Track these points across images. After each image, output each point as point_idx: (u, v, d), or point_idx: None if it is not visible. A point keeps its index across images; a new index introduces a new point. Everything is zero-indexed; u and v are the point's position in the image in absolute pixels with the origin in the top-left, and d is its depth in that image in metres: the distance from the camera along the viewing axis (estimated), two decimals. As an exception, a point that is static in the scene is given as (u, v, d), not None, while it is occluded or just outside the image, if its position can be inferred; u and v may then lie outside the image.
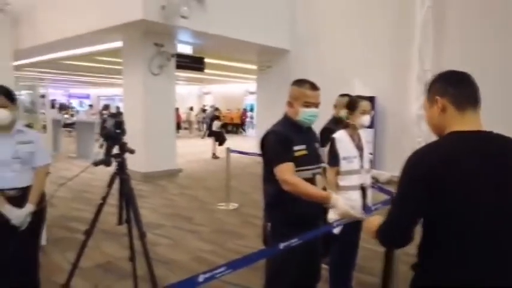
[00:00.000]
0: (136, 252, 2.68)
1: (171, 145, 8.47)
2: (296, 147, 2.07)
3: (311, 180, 2.09)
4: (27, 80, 19.41)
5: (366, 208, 2.77)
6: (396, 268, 2.40)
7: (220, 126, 12.22)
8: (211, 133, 12.26)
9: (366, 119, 2.82)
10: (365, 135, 3.01)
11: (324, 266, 2.62)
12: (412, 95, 7.63)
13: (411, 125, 7.60)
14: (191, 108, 22.74)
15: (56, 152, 10.78)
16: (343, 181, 2.75)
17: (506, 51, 6.47)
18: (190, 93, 25.38)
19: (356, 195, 2.77)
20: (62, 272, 3.36)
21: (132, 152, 2.41)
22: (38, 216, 2.42)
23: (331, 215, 2.38)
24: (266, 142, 2.15)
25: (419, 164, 1.28)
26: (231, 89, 23.27)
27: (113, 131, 2.34)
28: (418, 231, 1.34)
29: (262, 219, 2.22)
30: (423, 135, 7.51)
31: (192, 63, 9.45)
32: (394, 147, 7.90)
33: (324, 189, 2.19)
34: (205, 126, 20.39)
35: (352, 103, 2.85)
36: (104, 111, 22.08)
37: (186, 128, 21.92)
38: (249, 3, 8.54)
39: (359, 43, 8.32)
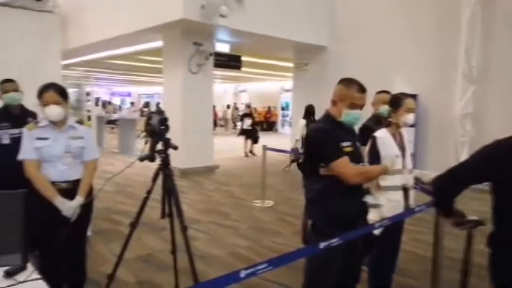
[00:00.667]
0: (176, 245, 2.76)
1: (209, 142, 8.63)
2: (344, 143, 2.04)
3: None
4: (73, 78, 20.39)
5: (408, 209, 2.70)
6: (440, 272, 2.33)
7: (252, 124, 11.86)
8: (242, 131, 12.06)
9: (410, 118, 2.73)
10: (406, 134, 2.92)
11: (363, 267, 2.57)
12: (456, 93, 7.32)
13: (455, 124, 7.29)
14: (228, 106, 22.99)
15: (100, 148, 11.28)
16: (384, 181, 2.68)
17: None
18: (227, 91, 25.67)
19: (398, 195, 2.70)
20: (105, 262, 3.53)
21: (175, 148, 2.48)
22: (86, 209, 2.54)
23: (372, 216, 2.34)
24: (312, 139, 2.13)
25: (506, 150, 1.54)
26: (266, 86, 23.28)
27: (157, 127, 2.42)
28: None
29: (302, 217, 2.21)
30: (468, 135, 7.18)
31: (229, 62, 9.54)
32: (436, 147, 7.63)
33: (367, 189, 2.14)
34: (239, 124, 20.62)
35: (396, 100, 2.76)
36: (145, 109, 22.84)
37: (222, 126, 22.21)
38: (286, 0, 8.52)
39: (400, 40, 8.08)
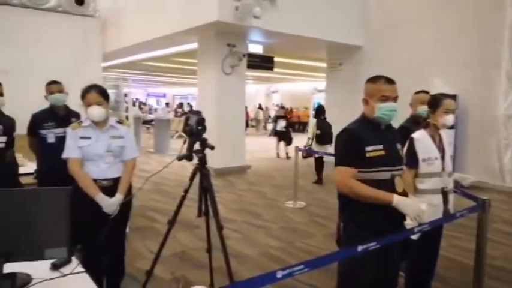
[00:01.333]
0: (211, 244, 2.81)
1: (241, 142, 8.70)
2: (370, 147, 1.98)
3: (389, 182, 2.01)
4: (111, 80, 21.16)
5: (448, 214, 2.60)
6: (483, 281, 2.23)
7: (286, 125, 11.54)
8: (275, 133, 11.89)
9: (449, 119, 2.62)
10: (446, 135, 2.81)
11: (400, 273, 2.50)
12: (499, 94, 6.99)
13: (497, 126, 6.96)
14: (260, 107, 23.06)
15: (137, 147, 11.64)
16: (422, 184, 2.60)
17: None
18: (258, 92, 25.77)
19: (437, 199, 2.60)
20: (142, 258, 3.65)
21: (212, 148, 2.52)
22: (126, 206, 2.63)
23: (409, 220, 2.27)
24: (337, 140, 2.11)
25: None
26: (298, 87, 23.15)
27: (195, 127, 2.47)
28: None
29: (337, 219, 2.19)
30: (511, 137, 6.83)
31: (262, 63, 9.59)
32: (477, 150, 7.31)
33: (404, 191, 2.08)
34: (272, 125, 20.60)
35: (434, 101, 2.67)
36: (179, 109, 23.34)
37: (253, 126, 22.31)
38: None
39: (439, 38, 7.79)
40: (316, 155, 7.31)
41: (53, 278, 1.63)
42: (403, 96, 2.55)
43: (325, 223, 5.01)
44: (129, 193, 2.64)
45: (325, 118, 7.61)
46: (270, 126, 20.79)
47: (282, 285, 2.78)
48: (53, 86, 3.41)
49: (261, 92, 26.03)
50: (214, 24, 7.25)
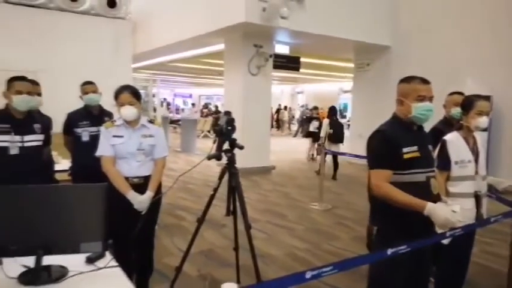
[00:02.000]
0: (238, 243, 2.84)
1: (266, 143, 8.72)
2: (406, 149, 1.95)
3: (425, 184, 1.97)
4: (140, 81, 21.66)
5: (481, 219, 2.52)
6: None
7: (319, 126, 11.33)
8: (308, 134, 11.59)
9: (482, 121, 2.54)
10: (480, 138, 2.72)
11: (430, 279, 2.45)
12: (537, 95, 6.69)
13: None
14: (285, 108, 23.01)
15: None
16: (454, 187, 2.53)
17: None
18: (283, 92, 25.71)
19: (469, 203, 2.53)
20: (170, 254, 3.72)
21: (241, 148, 2.55)
22: (155, 204, 2.70)
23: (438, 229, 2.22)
24: (370, 142, 2.08)
25: None
26: (324, 87, 22.94)
27: (225, 127, 2.50)
28: None
29: (367, 223, 2.16)
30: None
31: (288, 63, 9.57)
32: (512, 153, 7.03)
33: (438, 194, 2.04)
34: (296, 125, 20.51)
35: (467, 102, 2.59)
36: (204, 110, 23.63)
37: (277, 127, 22.28)
38: (347, -1, 8.37)
39: (472, 37, 7.55)
40: (328, 154, 7.56)
41: (88, 272, 1.69)
42: (435, 97, 2.49)
43: (352, 226, 4.95)
44: (159, 191, 2.70)
45: (337, 118, 8.20)
46: (294, 127, 20.72)
47: (308, 286, 2.78)
48: (88, 87, 3.53)
49: (286, 93, 25.96)
50: (242, 25, 7.31)
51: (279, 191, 6.95)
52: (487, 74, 7.21)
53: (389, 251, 1.66)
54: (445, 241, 2.33)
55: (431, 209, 1.83)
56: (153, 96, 11.38)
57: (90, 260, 1.80)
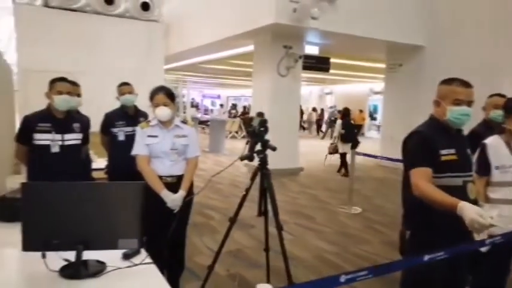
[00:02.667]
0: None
1: (294, 144, 8.68)
2: (444, 151, 1.90)
3: (462, 189, 1.90)
4: (171, 82, 22.10)
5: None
6: None
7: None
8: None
9: (526, 125, 2.43)
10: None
11: None
12: None
13: None
14: (314, 109, 22.82)
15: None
16: (494, 193, 2.43)
17: None
18: (312, 93, 25.50)
19: (509, 210, 2.42)
20: (199, 253, 3.77)
21: (274, 149, 2.56)
22: (187, 203, 2.75)
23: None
24: (408, 144, 2.03)
25: None
26: (353, 88, 22.57)
27: (257, 129, 2.52)
28: None
29: (401, 227, 2.11)
30: None
31: (318, 64, 9.50)
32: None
33: (476, 199, 1.96)
34: (324, 127, 20.26)
35: (510, 105, 2.49)
36: (232, 111, 23.80)
37: (306, 128, 22.12)
38: (379, -2, 8.21)
39: (510, 38, 7.22)
40: (340, 152, 8.48)
41: (125, 267, 1.74)
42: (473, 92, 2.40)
43: (383, 230, 4.85)
44: (190, 191, 2.75)
45: (350, 120, 8.66)
46: (323, 129, 20.48)
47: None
48: (124, 88, 3.64)
49: (315, 94, 25.73)
50: (271, 26, 7.32)
51: (307, 193, 6.90)
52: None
53: (427, 257, 1.61)
54: (483, 248, 2.24)
55: (462, 207, 1.76)
56: (183, 97, 11.56)
57: (126, 256, 1.84)
